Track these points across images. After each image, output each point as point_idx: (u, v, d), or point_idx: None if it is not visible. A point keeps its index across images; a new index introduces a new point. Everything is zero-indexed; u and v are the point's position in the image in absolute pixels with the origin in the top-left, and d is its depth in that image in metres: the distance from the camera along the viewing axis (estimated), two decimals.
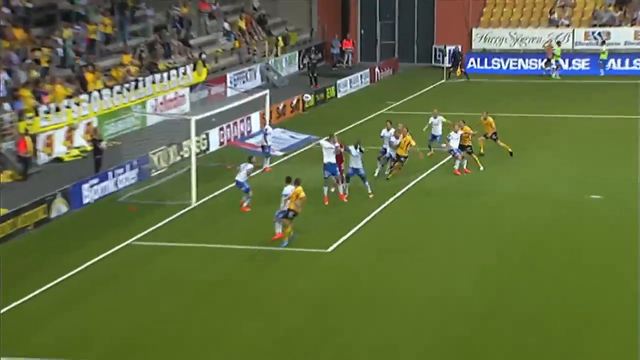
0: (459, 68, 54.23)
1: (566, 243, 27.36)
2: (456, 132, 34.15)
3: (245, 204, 30.68)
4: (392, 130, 33.88)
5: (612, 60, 54.07)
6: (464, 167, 34.59)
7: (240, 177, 30.59)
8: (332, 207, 31.01)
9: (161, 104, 43.41)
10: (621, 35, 55.36)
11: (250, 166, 30.72)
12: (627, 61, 54.47)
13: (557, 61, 53.74)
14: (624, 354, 20.17)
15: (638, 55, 54.42)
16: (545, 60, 54.22)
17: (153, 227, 29.34)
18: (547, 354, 20.37)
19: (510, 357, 20.46)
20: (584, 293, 23.54)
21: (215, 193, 32.81)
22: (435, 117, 37.02)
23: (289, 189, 27.38)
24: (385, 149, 34.14)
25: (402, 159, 33.47)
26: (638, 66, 54.29)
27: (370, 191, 31.61)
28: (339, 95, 50.07)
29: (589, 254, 26.47)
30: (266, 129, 36.21)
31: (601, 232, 28.35)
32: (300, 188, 27.13)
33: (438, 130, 36.69)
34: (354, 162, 31.66)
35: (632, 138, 39.11)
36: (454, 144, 34.20)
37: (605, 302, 22.98)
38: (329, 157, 31.37)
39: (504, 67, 55.97)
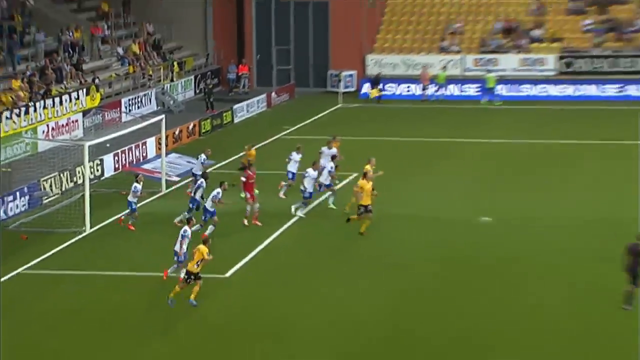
0: (376, 89, 54.48)
1: (458, 266, 27.43)
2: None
3: (195, 228, 29.27)
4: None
5: (500, 86, 54.78)
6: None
7: (208, 204, 29.89)
8: (231, 231, 30.61)
9: (53, 129, 42.39)
10: (509, 62, 56.25)
11: (218, 191, 29.78)
12: (514, 87, 55.18)
13: (440, 85, 54.71)
14: None
15: (524, 82, 55.24)
16: (422, 85, 54.94)
17: (44, 256, 28.46)
18: None
19: None
20: (476, 317, 23.58)
21: (110, 219, 32.05)
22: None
23: (188, 231, 26.23)
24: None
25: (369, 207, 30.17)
26: (524, 92, 55.06)
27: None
28: (235, 121, 49.76)
29: (481, 278, 26.57)
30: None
31: (491, 255, 28.45)
32: (205, 248, 24.08)
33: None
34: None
35: (521, 161, 39.74)
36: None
37: (498, 325, 23.10)
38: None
39: (397, 93, 56.07)
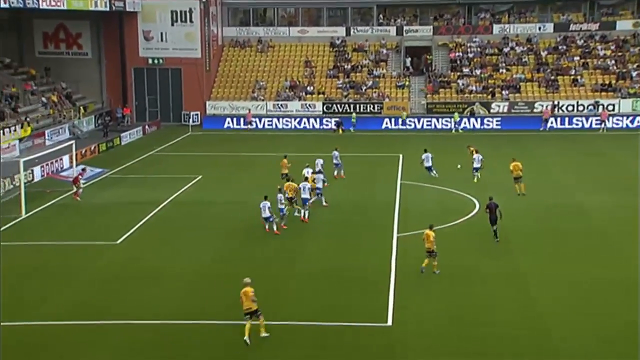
0: (340, 129, 52.25)
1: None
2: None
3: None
4: None
5: (293, 120, 54.77)
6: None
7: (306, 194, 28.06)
8: (116, 213, 30.05)
9: None
10: (294, 106, 56.21)
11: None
12: (296, 121, 54.86)
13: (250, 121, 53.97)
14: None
15: (303, 117, 54.97)
16: (247, 120, 54.62)
17: None
18: None
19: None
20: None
21: (38, 208, 31.20)
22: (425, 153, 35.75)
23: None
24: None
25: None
26: (301, 125, 54.25)
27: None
28: (122, 143, 48.91)
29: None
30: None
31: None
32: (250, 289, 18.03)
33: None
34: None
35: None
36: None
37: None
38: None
39: (226, 125, 55.41)
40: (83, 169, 33.85)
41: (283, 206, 27.38)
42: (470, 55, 59.32)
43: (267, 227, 26.99)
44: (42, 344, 18.13)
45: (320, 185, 30.48)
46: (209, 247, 25.67)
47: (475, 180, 34.45)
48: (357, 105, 55.88)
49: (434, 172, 35.30)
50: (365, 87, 57.36)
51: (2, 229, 28.17)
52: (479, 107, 54.86)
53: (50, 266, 23.86)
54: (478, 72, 57.82)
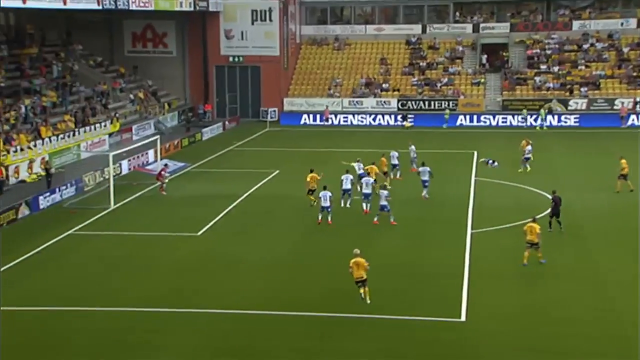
0: (407, 123, 51.84)
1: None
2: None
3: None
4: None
5: (368, 117, 54.81)
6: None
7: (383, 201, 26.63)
8: (197, 206, 30.62)
9: (90, 145, 42.28)
10: (369, 102, 56.24)
11: (386, 192, 26.92)
12: (372, 118, 54.81)
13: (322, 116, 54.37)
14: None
15: (378, 114, 54.88)
16: (325, 117, 54.91)
17: (86, 223, 28.65)
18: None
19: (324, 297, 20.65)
20: None
21: (126, 200, 32.15)
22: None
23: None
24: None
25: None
26: (376, 121, 54.22)
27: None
28: (203, 138, 49.75)
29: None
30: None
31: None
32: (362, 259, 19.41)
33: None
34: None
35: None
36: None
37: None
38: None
39: (302, 121, 55.69)
40: (165, 165, 34.77)
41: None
42: (548, 52, 57.75)
43: (320, 217, 26.91)
44: (129, 328, 18.70)
45: (369, 190, 28.39)
46: (286, 240, 25.87)
47: (523, 170, 35.27)
48: (432, 102, 55.27)
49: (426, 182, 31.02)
50: (440, 84, 56.66)
51: (93, 219, 29.25)
52: (556, 104, 53.32)
53: (135, 256, 24.58)
54: (556, 69, 56.23)
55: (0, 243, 25.65)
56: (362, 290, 19.31)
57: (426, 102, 55.27)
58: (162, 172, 33.59)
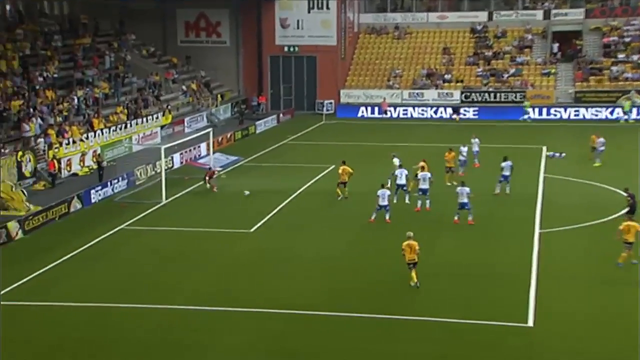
0: (457, 117, 51.84)
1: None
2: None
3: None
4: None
5: (429, 110, 54.39)
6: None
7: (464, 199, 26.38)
8: (250, 201, 30.74)
9: (142, 137, 42.96)
10: (430, 94, 55.73)
11: (467, 189, 26.53)
12: (433, 110, 54.36)
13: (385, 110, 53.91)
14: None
15: (440, 107, 54.45)
16: (382, 109, 54.46)
17: (137, 217, 29.08)
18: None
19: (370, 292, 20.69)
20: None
21: (177, 195, 32.52)
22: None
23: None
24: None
25: None
26: (438, 114, 53.82)
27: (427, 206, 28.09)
28: (257, 131, 50.07)
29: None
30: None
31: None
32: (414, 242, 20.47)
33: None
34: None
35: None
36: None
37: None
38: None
39: (360, 114, 55.57)
40: (217, 170, 34.64)
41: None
42: (627, 40, 55.99)
43: (374, 216, 26.64)
44: (178, 326, 18.89)
45: (427, 186, 28.25)
46: (341, 238, 25.80)
47: (598, 164, 35.22)
48: (498, 94, 54.37)
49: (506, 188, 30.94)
50: (507, 75, 55.63)
51: (144, 213, 29.66)
52: (634, 95, 51.65)
53: (186, 252, 24.80)
54: (635, 57, 54.49)
55: (49, 239, 26.31)
56: (413, 273, 20.11)
57: (492, 94, 54.44)
58: (214, 172, 33.66)
